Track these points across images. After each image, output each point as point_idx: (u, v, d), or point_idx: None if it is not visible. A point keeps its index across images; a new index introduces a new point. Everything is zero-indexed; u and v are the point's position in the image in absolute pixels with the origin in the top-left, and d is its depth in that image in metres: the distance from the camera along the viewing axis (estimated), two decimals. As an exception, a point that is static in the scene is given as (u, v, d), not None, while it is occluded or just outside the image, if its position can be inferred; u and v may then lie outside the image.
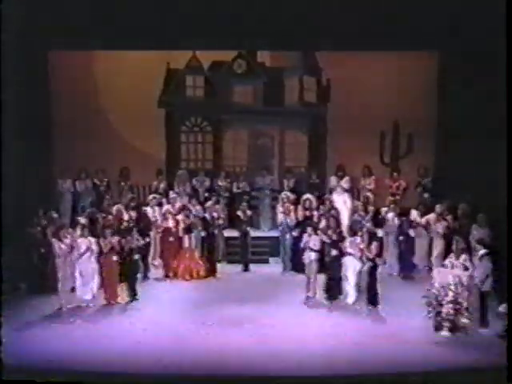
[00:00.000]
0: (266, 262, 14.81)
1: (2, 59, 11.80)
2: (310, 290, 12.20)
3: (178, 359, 9.55)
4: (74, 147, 16.04)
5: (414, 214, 14.02)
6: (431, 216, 13.68)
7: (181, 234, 13.70)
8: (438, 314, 10.41)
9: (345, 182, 15.36)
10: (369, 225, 13.32)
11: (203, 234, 13.81)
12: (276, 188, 16.21)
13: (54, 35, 13.99)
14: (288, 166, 17.08)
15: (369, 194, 14.94)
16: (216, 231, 14.24)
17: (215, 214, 14.25)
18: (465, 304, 10.34)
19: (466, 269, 10.54)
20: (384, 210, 14.13)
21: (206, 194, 15.80)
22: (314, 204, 14.13)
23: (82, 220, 13.13)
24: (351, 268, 11.82)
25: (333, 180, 15.55)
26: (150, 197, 14.88)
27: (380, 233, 13.69)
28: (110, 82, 16.46)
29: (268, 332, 10.52)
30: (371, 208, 14.18)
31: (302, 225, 13.50)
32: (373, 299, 11.66)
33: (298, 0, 13.46)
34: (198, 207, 14.30)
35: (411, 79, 16.21)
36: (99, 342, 10.16)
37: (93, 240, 11.99)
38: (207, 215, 14.13)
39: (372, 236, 12.00)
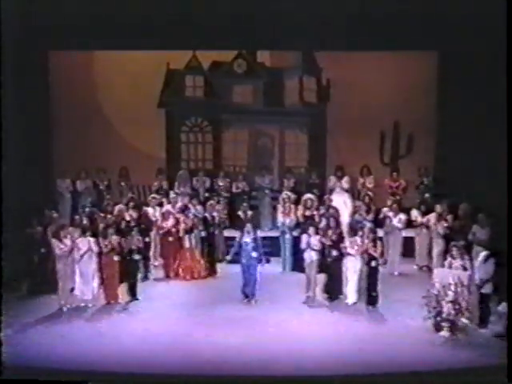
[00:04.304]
0: (267, 261, 14.77)
1: (2, 59, 11.79)
2: (310, 290, 12.20)
3: (178, 359, 9.55)
4: (74, 147, 16.06)
5: (415, 214, 14.04)
6: (431, 216, 13.70)
7: (181, 234, 13.70)
8: (438, 314, 10.40)
9: (344, 182, 15.37)
10: (370, 225, 13.29)
11: (203, 233, 13.81)
12: (276, 188, 16.23)
13: (54, 35, 13.99)
14: (288, 166, 17.09)
15: (369, 193, 14.95)
16: (216, 231, 14.24)
17: (215, 214, 14.25)
18: (465, 304, 10.33)
19: (466, 269, 10.54)
20: (384, 210, 14.14)
21: (206, 194, 15.82)
22: (315, 204, 14.13)
23: (83, 220, 13.13)
24: (351, 268, 11.82)
25: (332, 180, 15.57)
26: (150, 197, 14.89)
27: (380, 233, 13.69)
28: (110, 81, 16.47)
29: (268, 332, 10.52)
30: (373, 208, 14.20)
31: (303, 225, 13.50)
32: (373, 299, 11.68)
33: (298, 0, 13.45)
34: (199, 207, 14.30)
35: (411, 79, 16.21)
36: (99, 342, 10.16)
37: (93, 240, 11.99)
38: (207, 215, 14.13)
39: (373, 236, 11.97)
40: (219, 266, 14.08)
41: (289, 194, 14.76)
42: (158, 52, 15.68)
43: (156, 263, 14.13)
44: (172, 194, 14.95)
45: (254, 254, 12.05)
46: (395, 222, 13.82)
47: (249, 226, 12.34)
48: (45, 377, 8.91)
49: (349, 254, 11.82)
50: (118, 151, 16.30)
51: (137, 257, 12.39)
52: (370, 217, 13.93)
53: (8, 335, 9.94)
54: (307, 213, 13.93)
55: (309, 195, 14.43)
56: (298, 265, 13.39)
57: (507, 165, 10.78)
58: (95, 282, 12.02)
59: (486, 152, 13.53)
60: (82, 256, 11.88)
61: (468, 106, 14.43)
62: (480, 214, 12.58)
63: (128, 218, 13.49)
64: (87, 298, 11.96)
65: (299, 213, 14.03)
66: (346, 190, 15.25)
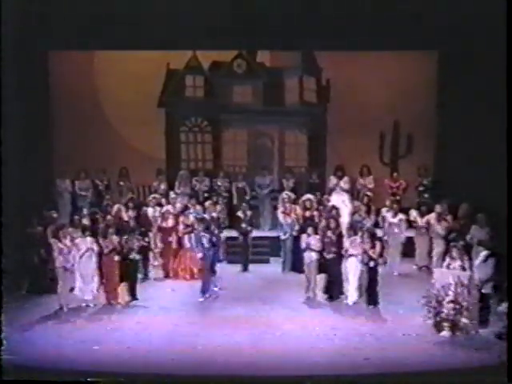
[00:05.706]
0: (266, 261, 14.82)
1: (2, 59, 11.78)
2: (310, 291, 12.20)
3: (178, 359, 9.54)
4: (74, 147, 16.06)
5: (414, 214, 14.04)
6: (431, 216, 13.70)
7: (181, 234, 13.70)
8: (438, 313, 10.41)
9: (344, 183, 15.37)
10: (369, 225, 13.31)
11: (203, 234, 13.80)
12: (276, 188, 16.23)
13: (54, 35, 13.99)
14: (288, 166, 17.08)
15: (369, 193, 14.95)
16: (216, 231, 14.21)
17: (215, 214, 14.24)
18: (465, 304, 10.33)
19: (465, 269, 10.54)
20: (384, 210, 14.13)
21: (206, 194, 15.82)
22: (315, 204, 14.13)
23: (83, 220, 13.14)
24: (351, 268, 11.82)
25: (332, 180, 15.57)
26: (150, 197, 14.89)
27: (380, 233, 13.69)
28: (110, 81, 16.46)
29: (268, 332, 10.51)
30: (373, 208, 14.19)
31: (302, 225, 13.49)
32: (373, 299, 11.68)
33: (298, 0, 13.45)
34: (198, 207, 14.30)
35: (411, 79, 16.22)
36: (99, 342, 10.15)
37: (93, 240, 11.99)
38: (207, 215, 14.11)
39: (373, 236, 11.98)
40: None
41: (289, 193, 14.77)
42: (158, 52, 15.69)
43: (156, 263, 14.13)
44: (172, 195, 14.95)
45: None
46: (395, 222, 13.82)
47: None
48: (44, 377, 8.90)
49: (349, 255, 11.82)
50: (118, 151, 16.31)
51: (137, 257, 12.40)
52: (370, 217, 13.92)
53: (8, 335, 9.92)
54: (307, 213, 13.93)
55: (308, 196, 14.44)
56: (297, 265, 13.39)
57: (507, 165, 10.77)
58: (95, 282, 12.03)
59: (485, 152, 13.53)
60: (81, 256, 11.89)
61: (468, 106, 14.44)
62: (479, 214, 12.58)
63: (126, 218, 13.50)
64: (87, 297, 11.97)
65: (299, 213, 14.03)
66: (346, 190, 15.25)
